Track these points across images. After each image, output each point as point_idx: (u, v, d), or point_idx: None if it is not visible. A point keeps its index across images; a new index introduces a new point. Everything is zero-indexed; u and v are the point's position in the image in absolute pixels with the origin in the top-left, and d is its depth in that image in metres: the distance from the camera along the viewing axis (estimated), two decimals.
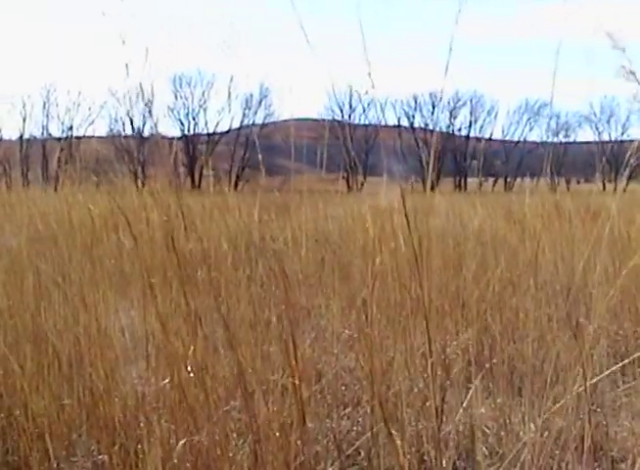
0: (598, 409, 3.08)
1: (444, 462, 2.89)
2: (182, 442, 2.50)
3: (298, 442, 2.57)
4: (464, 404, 3.02)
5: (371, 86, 2.33)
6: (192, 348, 2.56)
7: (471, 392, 2.96)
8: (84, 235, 3.81)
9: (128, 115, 46.48)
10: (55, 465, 2.98)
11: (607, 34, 2.40)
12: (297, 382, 2.45)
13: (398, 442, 2.32)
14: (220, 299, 2.84)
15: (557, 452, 2.89)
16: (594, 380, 2.53)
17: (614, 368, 2.67)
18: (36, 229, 4.31)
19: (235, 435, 2.70)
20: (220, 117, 52.40)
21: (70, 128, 46.92)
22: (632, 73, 2.45)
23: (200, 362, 2.55)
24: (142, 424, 2.77)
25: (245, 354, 2.59)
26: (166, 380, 2.70)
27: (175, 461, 2.57)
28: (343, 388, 3.69)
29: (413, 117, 51.79)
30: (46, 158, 37.17)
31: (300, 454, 2.59)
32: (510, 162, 49.73)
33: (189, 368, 2.53)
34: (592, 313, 2.52)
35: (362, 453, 3.16)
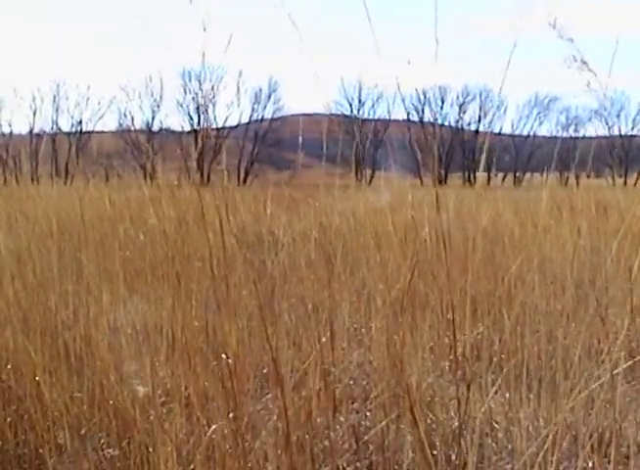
0: (607, 405, 3.08)
1: (454, 456, 2.89)
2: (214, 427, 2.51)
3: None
4: (476, 399, 3.02)
5: (380, 80, 2.33)
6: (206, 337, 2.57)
7: (492, 390, 2.96)
8: (95, 229, 3.83)
9: (141, 108, 46.60)
10: (66, 458, 2.99)
11: (550, 24, 2.38)
12: (332, 369, 2.47)
13: (422, 436, 2.33)
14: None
15: (566, 447, 2.89)
16: (612, 374, 2.52)
17: (627, 363, 2.66)
18: (48, 224, 4.32)
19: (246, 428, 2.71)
20: (229, 111, 52.27)
21: (80, 123, 47.00)
22: (584, 63, 2.44)
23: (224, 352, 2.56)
24: (152, 418, 2.78)
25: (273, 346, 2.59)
26: (179, 372, 2.72)
27: (186, 454, 2.58)
28: (352, 382, 3.70)
29: (422, 111, 51.61)
30: (56, 152, 37.24)
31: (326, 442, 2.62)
32: (519, 156, 49.58)
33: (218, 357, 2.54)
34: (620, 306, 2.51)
35: (371, 447, 3.17)
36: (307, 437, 2.63)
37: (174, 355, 2.86)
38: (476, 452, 2.48)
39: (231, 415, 2.49)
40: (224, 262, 2.57)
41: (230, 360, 2.51)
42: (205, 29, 2.42)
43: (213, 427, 2.52)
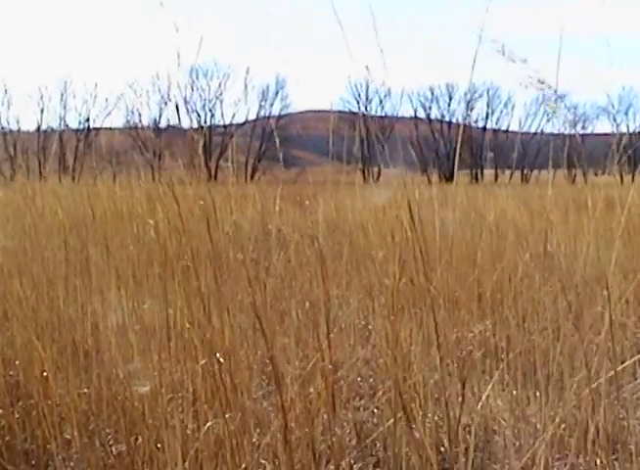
0: (615, 402, 3.07)
1: (460, 454, 2.88)
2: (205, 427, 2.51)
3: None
4: (480, 396, 3.02)
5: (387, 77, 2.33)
6: (211, 334, 2.57)
7: (490, 384, 2.95)
8: (102, 226, 3.83)
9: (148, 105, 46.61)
10: (73, 454, 3.00)
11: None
12: (329, 366, 2.47)
13: (417, 434, 2.32)
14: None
15: (574, 444, 2.88)
16: (614, 371, 2.52)
17: (631, 360, 2.66)
18: (55, 219, 4.33)
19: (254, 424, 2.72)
20: (236, 108, 52.21)
21: (87, 120, 47.03)
22: None
23: (225, 349, 2.56)
24: (159, 414, 2.79)
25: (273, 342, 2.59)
26: (187, 368, 2.72)
27: (193, 452, 2.58)
28: (359, 379, 3.70)
29: (430, 108, 51.47)
30: (63, 149, 37.28)
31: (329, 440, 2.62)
32: (527, 153, 49.42)
33: (214, 355, 2.55)
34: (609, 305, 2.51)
35: (378, 444, 3.17)
36: (310, 434, 2.62)
37: (180, 352, 2.86)
38: (472, 448, 2.48)
39: (228, 413, 2.49)
40: (228, 260, 2.57)
41: (221, 358, 2.51)
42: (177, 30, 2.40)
43: (208, 424, 2.53)
